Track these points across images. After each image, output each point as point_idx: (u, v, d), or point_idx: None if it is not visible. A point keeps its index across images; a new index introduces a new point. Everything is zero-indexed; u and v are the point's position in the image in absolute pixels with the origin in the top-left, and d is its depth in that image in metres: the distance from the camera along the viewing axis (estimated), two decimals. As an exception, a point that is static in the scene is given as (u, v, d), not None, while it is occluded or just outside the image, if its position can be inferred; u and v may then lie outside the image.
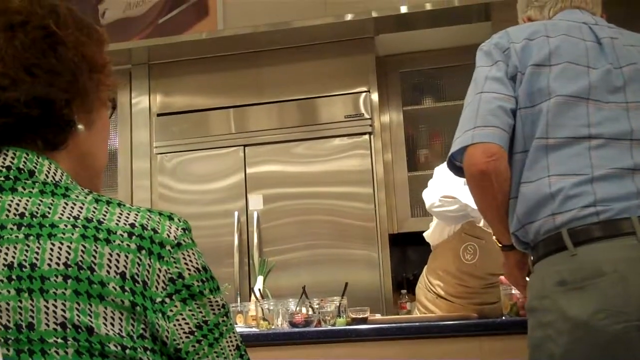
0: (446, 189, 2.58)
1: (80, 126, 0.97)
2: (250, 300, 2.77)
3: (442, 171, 2.71)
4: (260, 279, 2.81)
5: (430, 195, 2.65)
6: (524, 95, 1.69)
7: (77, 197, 0.92)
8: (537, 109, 1.67)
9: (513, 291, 2.29)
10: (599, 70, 1.68)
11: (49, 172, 0.93)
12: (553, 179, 1.59)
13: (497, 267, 2.54)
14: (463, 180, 2.50)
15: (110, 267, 0.86)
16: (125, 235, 0.89)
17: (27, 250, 0.85)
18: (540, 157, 1.63)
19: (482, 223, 2.58)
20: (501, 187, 1.67)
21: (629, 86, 1.68)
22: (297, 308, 2.47)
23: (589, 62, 1.69)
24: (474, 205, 2.46)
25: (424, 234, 2.82)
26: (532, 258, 1.70)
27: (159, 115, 4.08)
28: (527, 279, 1.78)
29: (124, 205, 0.93)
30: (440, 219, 2.69)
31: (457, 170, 1.81)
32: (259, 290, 2.72)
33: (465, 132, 1.69)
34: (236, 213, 3.79)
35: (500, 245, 1.83)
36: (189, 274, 0.91)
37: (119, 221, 0.90)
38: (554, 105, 1.64)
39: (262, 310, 2.51)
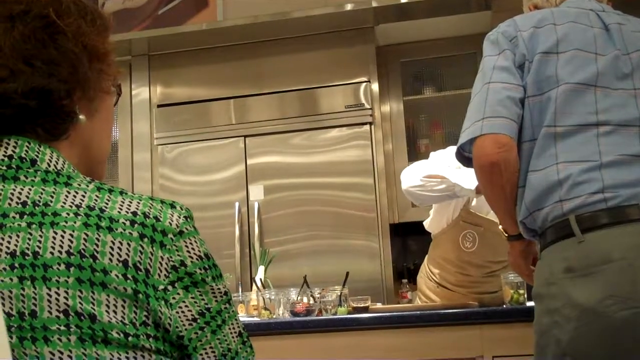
0: (430, 169, 2.57)
1: (81, 116, 0.97)
2: (251, 290, 2.78)
3: (435, 155, 2.71)
4: (261, 269, 2.82)
5: (410, 176, 2.64)
6: (532, 84, 1.68)
7: (79, 185, 0.92)
8: (545, 97, 1.66)
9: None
10: (607, 56, 1.68)
11: (50, 161, 0.93)
12: (561, 166, 1.59)
13: (497, 254, 2.56)
14: (455, 164, 2.50)
15: (112, 255, 0.86)
16: (128, 223, 0.89)
17: (29, 239, 0.85)
18: (549, 145, 1.62)
19: (474, 202, 2.57)
20: (510, 178, 1.66)
21: (637, 72, 1.67)
22: (299, 297, 2.47)
23: (597, 49, 1.68)
24: (463, 185, 2.45)
25: (424, 223, 2.82)
26: (539, 245, 1.69)
27: (159, 106, 4.07)
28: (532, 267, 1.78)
29: (126, 194, 0.93)
30: (417, 200, 2.68)
31: (466, 161, 1.81)
32: (261, 280, 2.73)
33: (474, 123, 1.68)
34: (237, 204, 3.80)
35: (507, 235, 1.83)
36: (191, 262, 0.91)
37: (121, 209, 0.90)
38: (562, 93, 1.64)
39: (264, 299, 2.52)
